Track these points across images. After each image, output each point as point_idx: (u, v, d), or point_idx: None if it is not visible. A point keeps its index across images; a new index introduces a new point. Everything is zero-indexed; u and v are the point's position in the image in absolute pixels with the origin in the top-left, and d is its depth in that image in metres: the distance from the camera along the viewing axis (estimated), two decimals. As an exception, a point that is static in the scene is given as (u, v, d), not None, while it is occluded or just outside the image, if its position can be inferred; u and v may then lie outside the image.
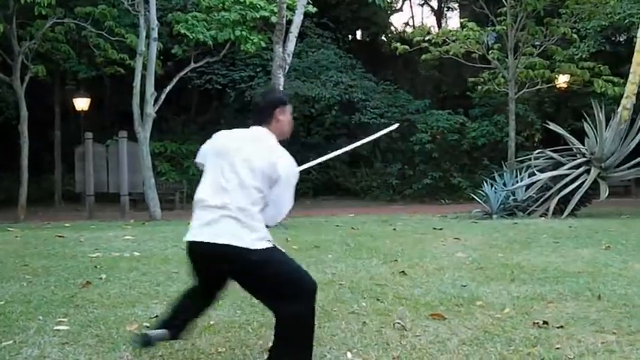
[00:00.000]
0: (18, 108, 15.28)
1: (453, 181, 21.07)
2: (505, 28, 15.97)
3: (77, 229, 9.81)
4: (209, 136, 3.10)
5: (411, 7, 34.29)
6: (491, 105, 21.86)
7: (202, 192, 2.89)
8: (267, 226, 2.87)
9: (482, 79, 18.33)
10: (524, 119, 20.59)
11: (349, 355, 3.32)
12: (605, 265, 5.69)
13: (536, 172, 11.99)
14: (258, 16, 15.31)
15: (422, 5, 31.12)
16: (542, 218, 10.89)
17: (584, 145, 12.08)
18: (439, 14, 29.96)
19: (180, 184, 19.86)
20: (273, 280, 2.81)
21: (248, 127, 3.02)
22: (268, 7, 15.13)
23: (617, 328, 3.66)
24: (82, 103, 19.78)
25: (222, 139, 2.99)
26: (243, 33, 15.52)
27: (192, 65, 16.71)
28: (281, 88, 10.93)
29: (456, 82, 23.79)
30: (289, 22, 11.59)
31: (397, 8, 30.12)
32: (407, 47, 16.95)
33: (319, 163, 4.47)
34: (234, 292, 3.33)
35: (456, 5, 29.10)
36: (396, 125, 6.19)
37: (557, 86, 18.83)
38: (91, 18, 15.64)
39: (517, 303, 4.30)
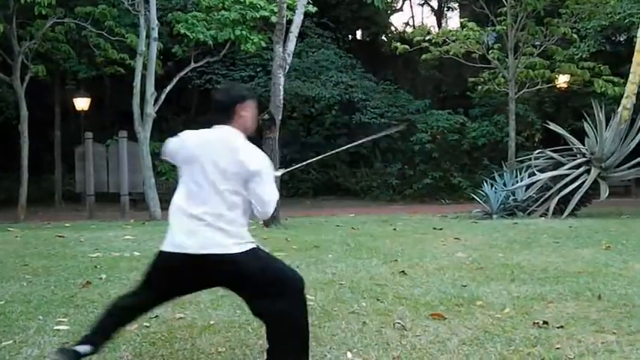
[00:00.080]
0: (18, 108, 15.26)
1: (453, 181, 21.04)
2: (505, 28, 15.96)
3: (77, 229, 9.82)
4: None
5: (411, 7, 34.24)
6: (492, 105, 21.83)
7: (179, 199, 2.89)
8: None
9: (482, 79, 18.30)
10: (524, 119, 20.56)
11: (349, 354, 3.32)
12: (606, 265, 5.69)
13: (537, 172, 11.99)
14: (258, 16, 15.30)
15: (422, 5, 31.08)
16: (543, 218, 10.89)
17: (584, 145, 12.09)
18: (439, 14, 29.93)
19: (180, 184, 19.83)
20: (257, 278, 2.79)
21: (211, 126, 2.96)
22: (268, 7, 15.11)
23: (617, 328, 3.66)
24: (82, 103, 19.75)
25: (189, 145, 2.94)
26: (244, 33, 15.51)
27: (193, 65, 16.69)
28: (281, 87, 10.93)
29: (456, 82, 23.75)
30: (289, 22, 11.58)
31: (397, 8, 30.10)
32: (407, 47, 16.93)
33: (317, 162, 4.47)
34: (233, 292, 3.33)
35: (456, 5, 29.06)
36: (403, 125, 6.15)
37: (558, 86, 18.81)
38: (91, 18, 15.61)
39: (517, 303, 4.30)
